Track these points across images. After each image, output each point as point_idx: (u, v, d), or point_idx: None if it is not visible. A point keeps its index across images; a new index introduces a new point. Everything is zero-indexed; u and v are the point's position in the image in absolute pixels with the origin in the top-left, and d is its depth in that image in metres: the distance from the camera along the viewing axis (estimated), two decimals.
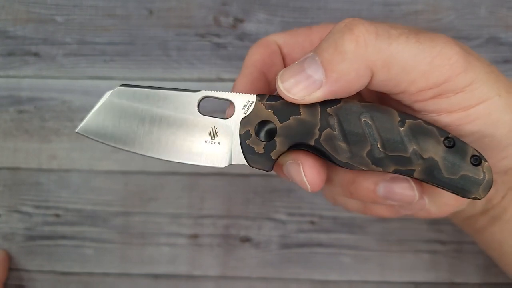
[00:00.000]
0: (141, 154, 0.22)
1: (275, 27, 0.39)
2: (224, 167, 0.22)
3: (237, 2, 0.39)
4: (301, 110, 0.21)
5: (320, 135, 0.21)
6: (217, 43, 0.39)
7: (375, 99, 0.25)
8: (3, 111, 0.40)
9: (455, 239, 0.38)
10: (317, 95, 0.20)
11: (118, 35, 0.39)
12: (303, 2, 0.39)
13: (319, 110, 0.20)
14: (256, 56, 0.24)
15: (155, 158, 0.22)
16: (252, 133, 0.21)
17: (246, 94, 0.21)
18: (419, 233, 0.39)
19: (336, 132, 0.20)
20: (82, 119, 0.22)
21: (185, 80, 0.39)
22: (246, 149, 0.21)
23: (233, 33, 0.39)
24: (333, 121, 0.20)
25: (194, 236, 0.39)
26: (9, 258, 0.39)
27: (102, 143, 0.22)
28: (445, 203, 0.24)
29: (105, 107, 0.22)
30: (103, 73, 0.39)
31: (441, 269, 0.38)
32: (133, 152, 0.22)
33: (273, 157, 0.21)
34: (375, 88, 0.21)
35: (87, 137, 0.22)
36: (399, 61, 0.19)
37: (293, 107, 0.21)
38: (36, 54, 0.40)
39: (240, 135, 0.21)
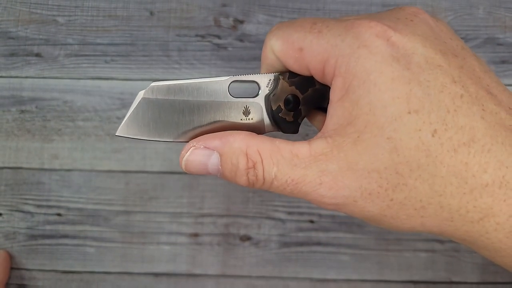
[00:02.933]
0: (184, 142, 0.24)
1: None
2: None
3: (237, 3, 0.40)
4: (316, 82, 0.24)
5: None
6: (217, 44, 0.40)
7: None
8: (5, 111, 0.40)
9: None
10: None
11: (119, 35, 0.40)
12: (302, 3, 0.40)
13: None
14: (263, 70, 0.26)
15: None
16: (283, 107, 0.24)
17: (267, 73, 0.25)
18: None
19: None
20: (119, 122, 0.23)
21: None
22: (280, 121, 0.24)
23: (233, 34, 0.40)
24: None
25: (194, 235, 0.39)
26: (11, 258, 0.39)
27: (145, 140, 0.24)
28: None
29: (141, 106, 0.23)
30: (104, 73, 0.40)
31: (439, 268, 0.39)
32: (177, 142, 0.24)
33: (299, 122, 0.25)
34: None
35: (128, 138, 0.24)
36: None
37: (309, 80, 0.24)
38: (38, 55, 0.40)
39: (273, 110, 0.24)
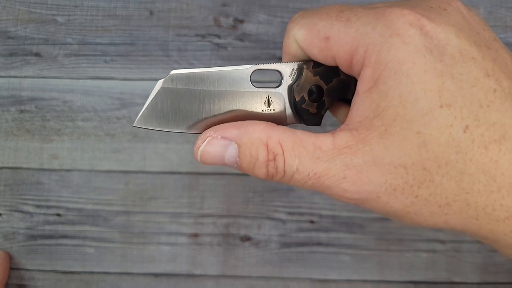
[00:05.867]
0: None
1: (275, 28, 0.39)
2: None
3: (237, 3, 0.39)
4: (341, 72, 0.23)
5: (355, 89, 0.23)
6: (217, 44, 0.39)
7: None
8: (5, 111, 0.40)
9: (454, 238, 0.39)
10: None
11: (118, 35, 0.40)
12: (302, 3, 0.39)
13: None
14: (285, 61, 0.26)
15: None
16: (306, 98, 0.23)
17: (291, 62, 0.24)
18: (419, 232, 0.39)
19: None
20: (137, 113, 0.22)
21: None
22: (303, 112, 0.23)
23: (233, 34, 0.39)
24: None
25: (194, 235, 0.39)
26: (10, 259, 0.39)
27: (164, 131, 0.23)
28: None
29: (160, 95, 0.22)
30: (104, 73, 0.40)
31: (440, 268, 0.39)
32: (196, 133, 0.23)
33: (322, 113, 0.24)
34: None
35: (146, 129, 0.23)
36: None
37: (334, 70, 0.23)
38: (37, 54, 0.40)
39: (296, 101, 0.23)
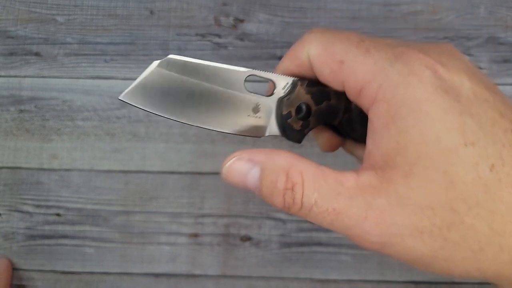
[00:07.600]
0: (186, 123, 0.23)
1: (275, 27, 0.39)
2: (261, 138, 0.24)
3: (237, 3, 0.39)
4: (332, 96, 0.24)
5: (342, 117, 0.24)
6: (218, 43, 0.39)
7: None
8: (4, 110, 0.40)
9: None
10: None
11: (119, 35, 0.40)
12: (302, 2, 0.39)
13: (344, 98, 0.23)
14: (285, 64, 0.25)
15: (199, 127, 0.23)
16: (293, 113, 0.24)
17: (287, 76, 0.24)
18: None
19: (355, 116, 0.24)
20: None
21: None
22: (287, 127, 0.24)
23: (234, 33, 0.39)
24: (353, 107, 0.24)
25: (194, 235, 0.39)
26: (12, 266, 0.39)
27: (147, 111, 0.22)
28: None
29: (153, 75, 0.22)
30: (103, 72, 0.40)
31: None
32: (177, 121, 0.23)
33: (305, 132, 0.24)
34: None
35: (130, 104, 0.22)
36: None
37: (326, 94, 0.24)
38: (37, 54, 0.40)
39: (283, 115, 0.23)
